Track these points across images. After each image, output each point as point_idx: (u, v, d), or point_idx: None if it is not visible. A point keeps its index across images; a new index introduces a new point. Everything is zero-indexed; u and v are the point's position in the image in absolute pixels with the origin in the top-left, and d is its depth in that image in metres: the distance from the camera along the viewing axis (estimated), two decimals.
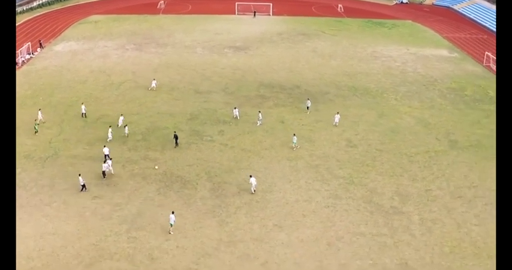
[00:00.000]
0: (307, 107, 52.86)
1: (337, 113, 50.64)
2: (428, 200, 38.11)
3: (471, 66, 70.93)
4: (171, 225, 33.31)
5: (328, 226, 34.54)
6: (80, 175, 37.94)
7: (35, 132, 46.99)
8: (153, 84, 58.19)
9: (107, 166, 39.78)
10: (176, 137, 44.67)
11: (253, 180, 37.89)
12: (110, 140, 44.95)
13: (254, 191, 38.05)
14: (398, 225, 34.97)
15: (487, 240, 33.82)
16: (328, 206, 36.73)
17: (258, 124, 48.78)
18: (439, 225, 35.15)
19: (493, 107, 56.24)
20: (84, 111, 50.59)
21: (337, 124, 49.60)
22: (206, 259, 31.01)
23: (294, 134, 45.31)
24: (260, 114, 49.64)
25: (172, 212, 33.53)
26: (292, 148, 44.69)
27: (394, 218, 35.75)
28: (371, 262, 31.37)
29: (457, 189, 39.75)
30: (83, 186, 37.70)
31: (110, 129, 45.36)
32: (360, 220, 35.38)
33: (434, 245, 33.17)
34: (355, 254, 31.95)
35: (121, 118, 48.72)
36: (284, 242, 32.86)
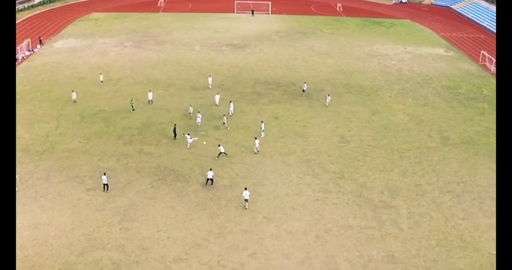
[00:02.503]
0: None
1: (328, 95, 55.17)
2: (417, 195, 38.69)
3: (467, 65, 71.45)
4: (246, 200, 35.47)
5: (317, 219, 35.16)
6: (104, 174, 37.54)
7: (133, 109, 51.19)
8: (210, 81, 59.02)
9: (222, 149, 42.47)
10: (175, 130, 45.63)
11: (257, 142, 43.25)
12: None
13: (258, 151, 43.14)
14: (386, 219, 35.57)
15: (473, 234, 34.39)
16: (318, 200, 37.34)
17: (262, 136, 46.27)
18: (427, 219, 35.74)
19: (487, 105, 56.86)
20: (151, 98, 53.48)
21: (328, 104, 54.11)
22: (196, 249, 31.67)
23: (262, 121, 47.63)
24: (263, 124, 47.08)
25: (245, 188, 35.86)
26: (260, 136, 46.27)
27: (382, 212, 36.34)
28: (358, 254, 31.97)
29: (446, 184, 40.32)
30: (106, 185, 37.24)
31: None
32: (348, 213, 36.00)
33: (421, 238, 33.76)
34: (343, 246, 32.57)
35: (218, 98, 53.41)
36: (273, 233, 33.49)
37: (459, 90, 61.25)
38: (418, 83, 63.21)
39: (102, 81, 59.34)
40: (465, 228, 34.91)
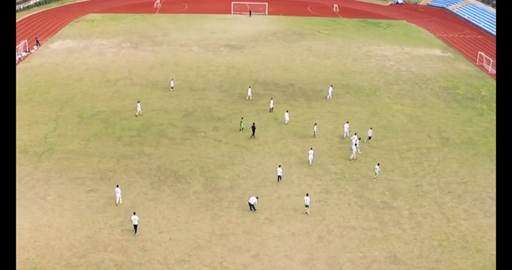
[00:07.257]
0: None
1: (331, 85, 58.45)
2: (418, 195, 38.68)
3: (464, 66, 71.64)
4: (307, 206, 35.15)
5: (319, 220, 35.06)
6: (134, 213, 33.07)
7: (241, 129, 47.71)
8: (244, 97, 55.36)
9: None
10: (254, 129, 46.09)
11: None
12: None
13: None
14: (388, 220, 35.52)
15: (475, 234, 34.40)
16: (319, 201, 37.25)
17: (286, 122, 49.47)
18: (429, 220, 35.72)
19: (485, 106, 56.99)
20: (272, 106, 52.83)
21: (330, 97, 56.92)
22: (198, 251, 31.50)
23: (378, 164, 41.13)
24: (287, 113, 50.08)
25: (307, 194, 35.42)
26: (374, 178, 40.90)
27: (384, 213, 36.30)
28: (361, 255, 31.90)
29: (447, 184, 40.34)
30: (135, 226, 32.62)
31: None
32: (350, 214, 35.93)
33: (423, 238, 33.74)
34: (345, 247, 32.49)
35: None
36: (275, 235, 33.37)
37: (457, 91, 61.37)
38: (417, 84, 63.29)
39: (172, 87, 57.49)
40: (467, 229, 34.91)
